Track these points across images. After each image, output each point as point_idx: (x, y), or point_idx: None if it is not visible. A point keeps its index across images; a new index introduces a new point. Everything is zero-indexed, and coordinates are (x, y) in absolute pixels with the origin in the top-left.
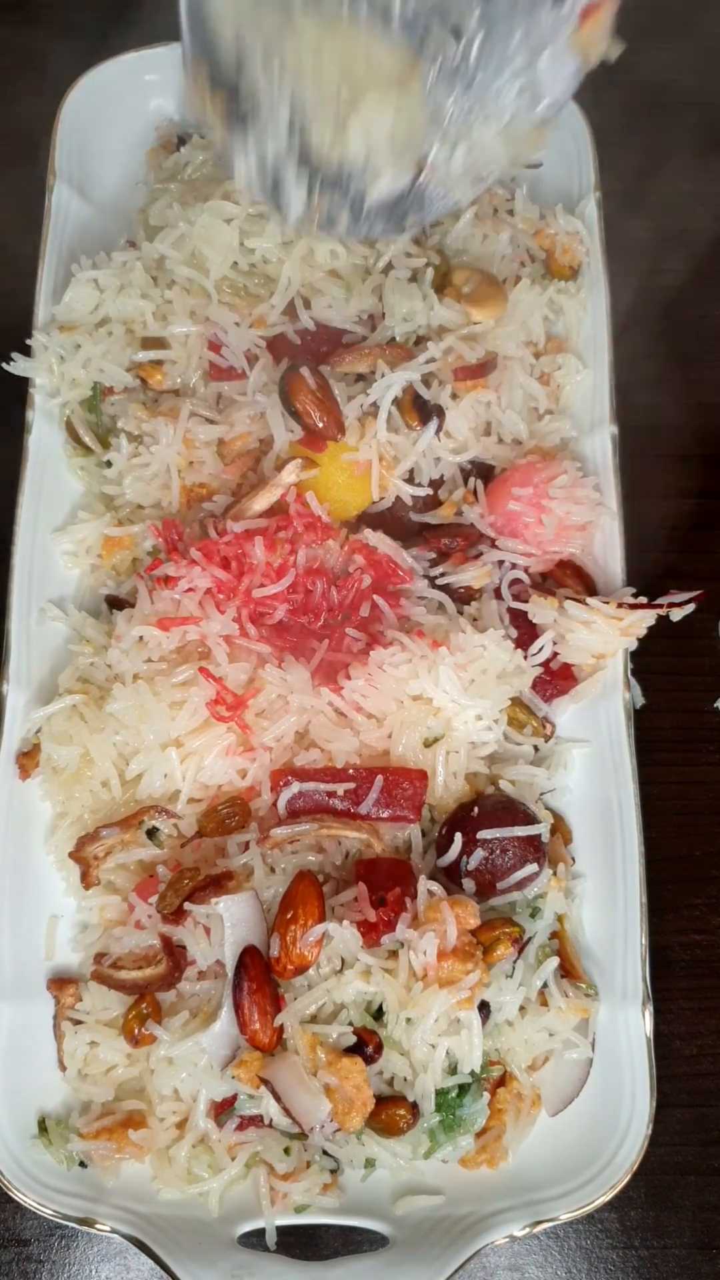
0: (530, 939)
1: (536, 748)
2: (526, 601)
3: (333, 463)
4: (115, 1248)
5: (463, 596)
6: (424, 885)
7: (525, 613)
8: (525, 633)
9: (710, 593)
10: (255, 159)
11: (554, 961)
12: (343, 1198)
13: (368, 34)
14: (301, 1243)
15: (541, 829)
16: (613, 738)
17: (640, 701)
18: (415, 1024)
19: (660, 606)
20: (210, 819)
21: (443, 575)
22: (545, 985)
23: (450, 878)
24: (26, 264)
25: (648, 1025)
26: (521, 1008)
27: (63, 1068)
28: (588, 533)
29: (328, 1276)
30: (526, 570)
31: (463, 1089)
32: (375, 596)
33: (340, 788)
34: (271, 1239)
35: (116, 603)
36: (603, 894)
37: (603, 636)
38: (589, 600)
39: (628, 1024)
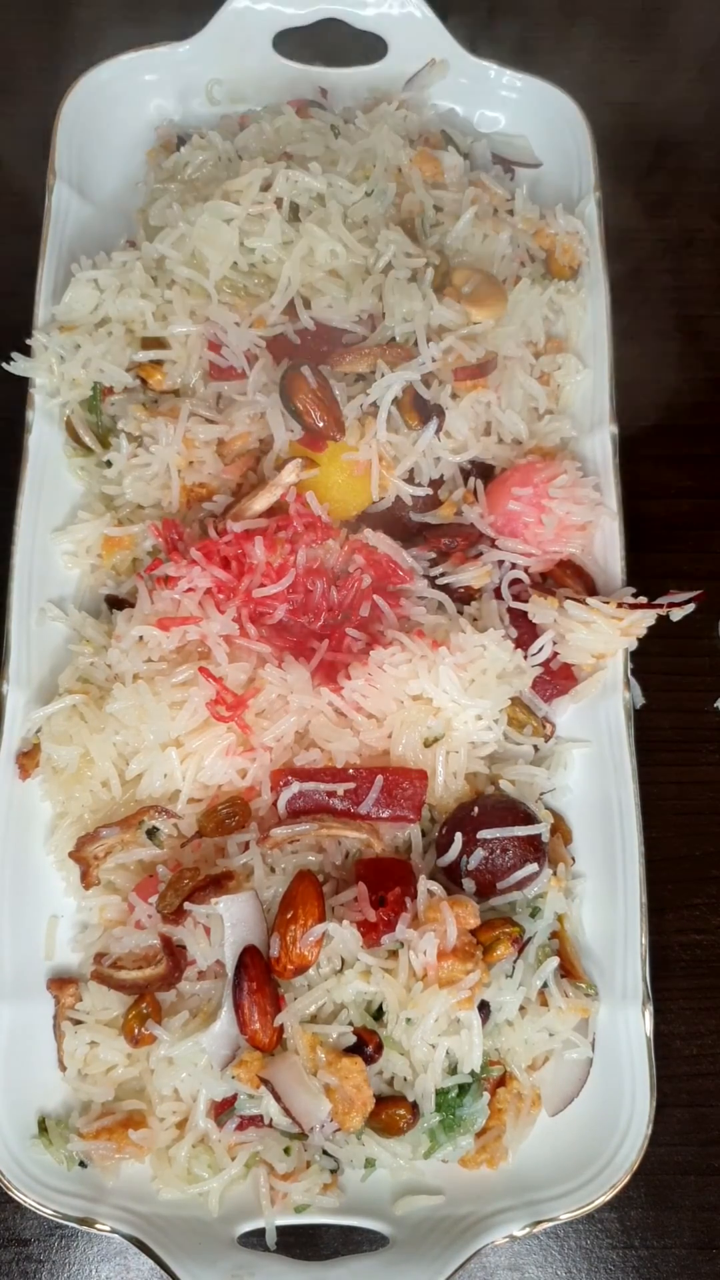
0: (530, 939)
1: (536, 748)
2: (526, 601)
3: (333, 463)
4: (115, 1248)
5: (463, 596)
6: (424, 885)
7: (525, 613)
8: (525, 633)
9: (710, 593)
10: None
11: (554, 961)
12: (343, 1198)
13: None
14: (301, 1243)
15: (541, 829)
16: (613, 738)
17: (640, 701)
18: (415, 1024)
19: (660, 606)
20: (210, 819)
21: (443, 575)
22: (545, 985)
23: (450, 878)
24: (26, 264)
25: (648, 1025)
26: (521, 1008)
27: (63, 1068)
28: (588, 533)
29: (328, 1276)
30: (526, 570)
31: (463, 1089)
32: (375, 596)
33: (340, 788)
34: (271, 1239)
35: (116, 603)
36: (603, 894)
37: (603, 636)
38: (589, 600)
39: (628, 1024)
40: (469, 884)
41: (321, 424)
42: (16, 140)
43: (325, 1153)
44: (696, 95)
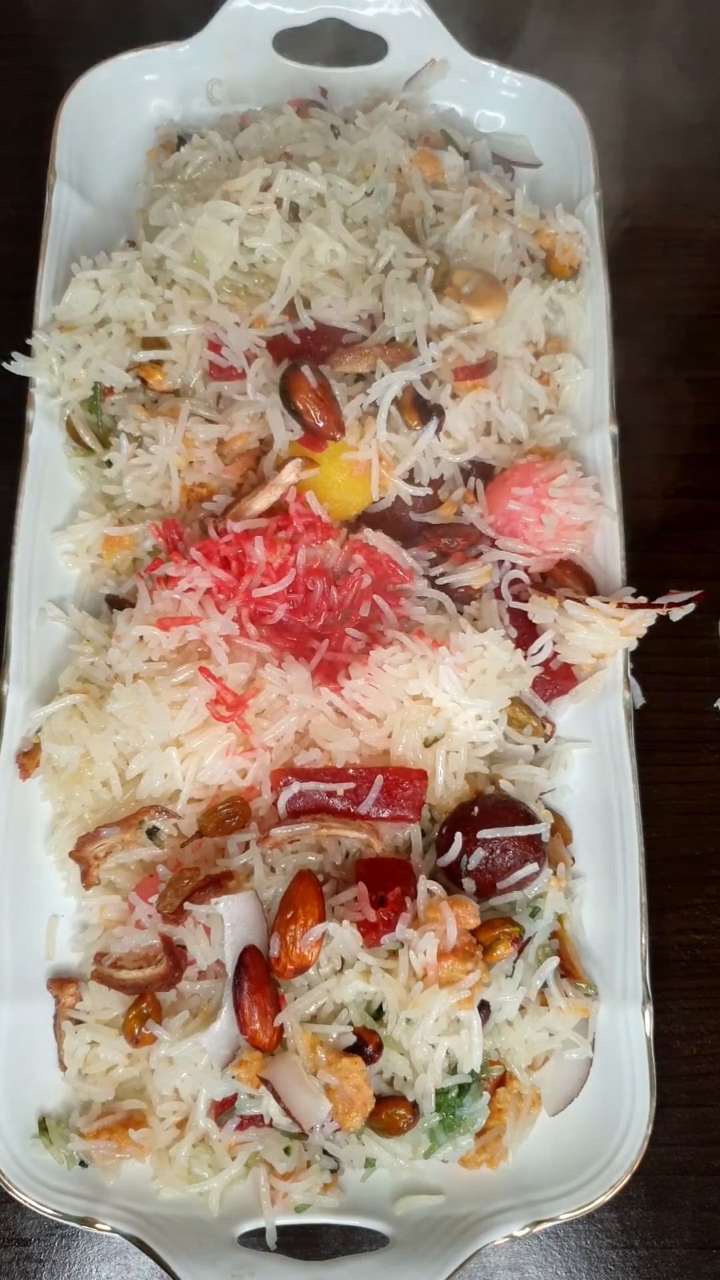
0: (530, 939)
1: (536, 748)
2: (526, 601)
3: (333, 462)
4: (115, 1248)
5: (463, 596)
6: (424, 885)
7: (525, 613)
8: (525, 633)
9: (710, 593)
10: None
11: (554, 961)
12: (343, 1198)
13: None
14: (301, 1243)
15: (541, 829)
16: (613, 738)
17: (640, 701)
18: (415, 1024)
19: (660, 606)
20: (210, 819)
21: (443, 575)
22: (545, 985)
23: (450, 877)
24: (26, 264)
25: (648, 1025)
26: (521, 1008)
27: (63, 1068)
28: (588, 533)
29: (328, 1276)
30: (526, 570)
31: (463, 1089)
32: (375, 596)
33: (340, 788)
34: (271, 1239)
35: (116, 603)
36: (603, 894)
37: (603, 636)
38: (589, 600)
39: (628, 1024)
40: (469, 884)
41: (321, 424)
42: (16, 140)
43: (325, 1153)
44: (697, 95)
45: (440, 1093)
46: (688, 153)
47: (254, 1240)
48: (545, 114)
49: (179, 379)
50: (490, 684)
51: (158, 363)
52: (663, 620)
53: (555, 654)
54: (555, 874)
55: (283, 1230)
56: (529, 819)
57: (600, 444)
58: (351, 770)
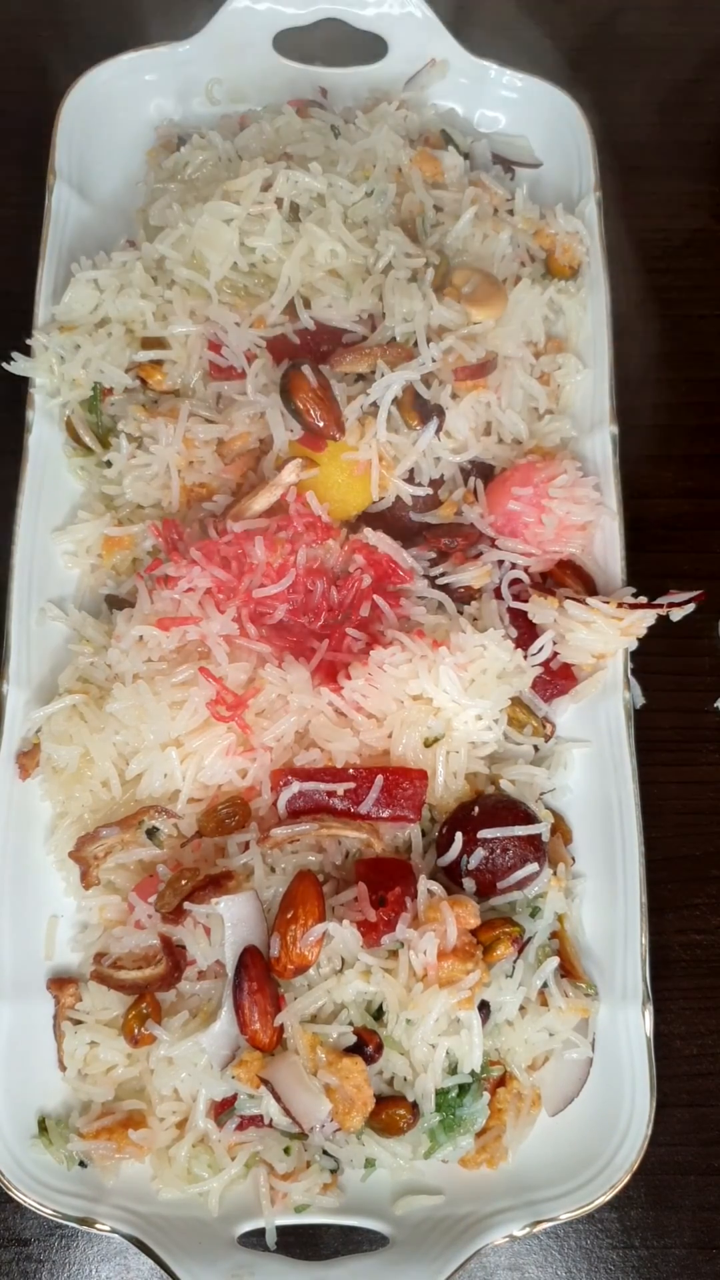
0: (530, 939)
1: (536, 748)
2: (526, 601)
3: (333, 462)
4: (115, 1248)
5: (463, 596)
6: (424, 885)
7: (525, 613)
8: (525, 633)
9: (710, 593)
10: None
11: (554, 961)
12: (343, 1198)
13: None
14: (301, 1243)
15: (542, 829)
16: (613, 738)
17: (640, 701)
18: (415, 1024)
19: (660, 606)
20: (210, 819)
21: (443, 575)
22: (545, 985)
23: (450, 877)
24: (26, 264)
25: (648, 1025)
26: (521, 1008)
27: (63, 1068)
28: (588, 532)
29: (328, 1276)
30: (526, 570)
31: (463, 1089)
32: (375, 596)
33: (340, 788)
34: (271, 1239)
35: (116, 603)
36: (603, 894)
37: (603, 636)
38: (589, 600)
39: (628, 1024)
40: (469, 884)
41: (321, 423)
42: (16, 140)
43: (325, 1153)
44: (697, 94)
45: (440, 1093)
46: (688, 151)
47: (254, 1240)
48: (545, 114)
49: (179, 379)
50: (490, 684)
51: (158, 363)
52: (663, 620)
53: (555, 654)
54: (555, 874)
55: (282, 1230)
56: (529, 819)
57: (600, 444)
58: (351, 770)
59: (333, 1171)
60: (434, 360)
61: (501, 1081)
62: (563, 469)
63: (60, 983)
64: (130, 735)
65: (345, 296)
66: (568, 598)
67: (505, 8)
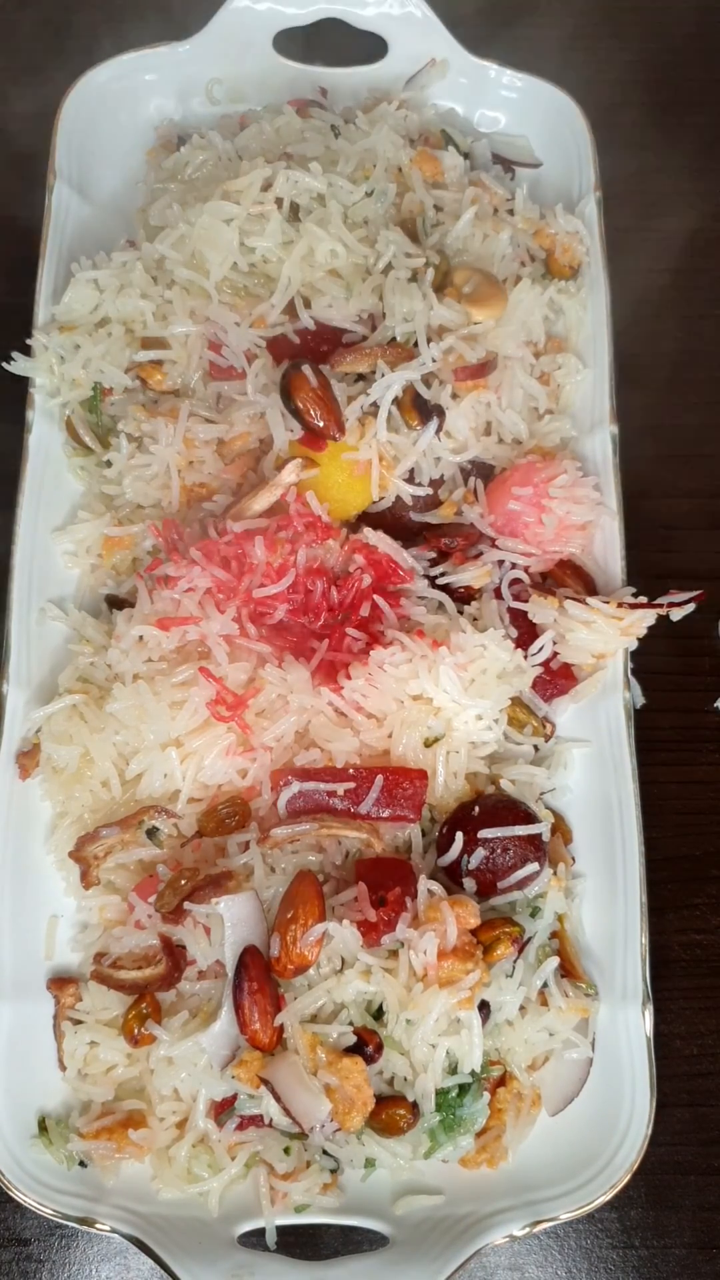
0: (530, 939)
1: (536, 747)
2: (526, 601)
3: (333, 462)
4: (115, 1248)
5: (463, 596)
6: (424, 885)
7: (525, 612)
8: (525, 633)
9: (710, 593)
10: None
11: (554, 961)
12: (343, 1198)
13: None
14: (301, 1243)
15: (542, 828)
16: (613, 738)
17: (640, 701)
18: (415, 1024)
19: (660, 606)
20: (210, 819)
21: (443, 575)
22: (545, 985)
23: (451, 877)
24: (26, 264)
25: (648, 1025)
26: (521, 1007)
27: (63, 1068)
28: (588, 532)
29: (328, 1276)
30: (526, 570)
31: (463, 1089)
32: (375, 596)
33: (340, 787)
34: (271, 1239)
35: (116, 603)
36: (603, 894)
37: (603, 636)
38: (589, 600)
39: (628, 1024)
40: (469, 884)
41: (321, 423)
42: (16, 140)
43: (325, 1153)
44: (697, 94)
45: (440, 1093)
46: (688, 151)
47: (254, 1240)
48: (545, 114)
49: (179, 379)
50: (490, 684)
51: (158, 363)
52: (663, 620)
53: (555, 654)
54: (555, 874)
55: (282, 1230)
56: (529, 819)
57: (600, 444)
58: (351, 770)
59: (333, 1171)
60: (434, 360)
61: (501, 1081)
62: (563, 469)
63: (60, 983)
64: (130, 735)
65: (345, 296)
66: (568, 598)
67: (505, 8)
